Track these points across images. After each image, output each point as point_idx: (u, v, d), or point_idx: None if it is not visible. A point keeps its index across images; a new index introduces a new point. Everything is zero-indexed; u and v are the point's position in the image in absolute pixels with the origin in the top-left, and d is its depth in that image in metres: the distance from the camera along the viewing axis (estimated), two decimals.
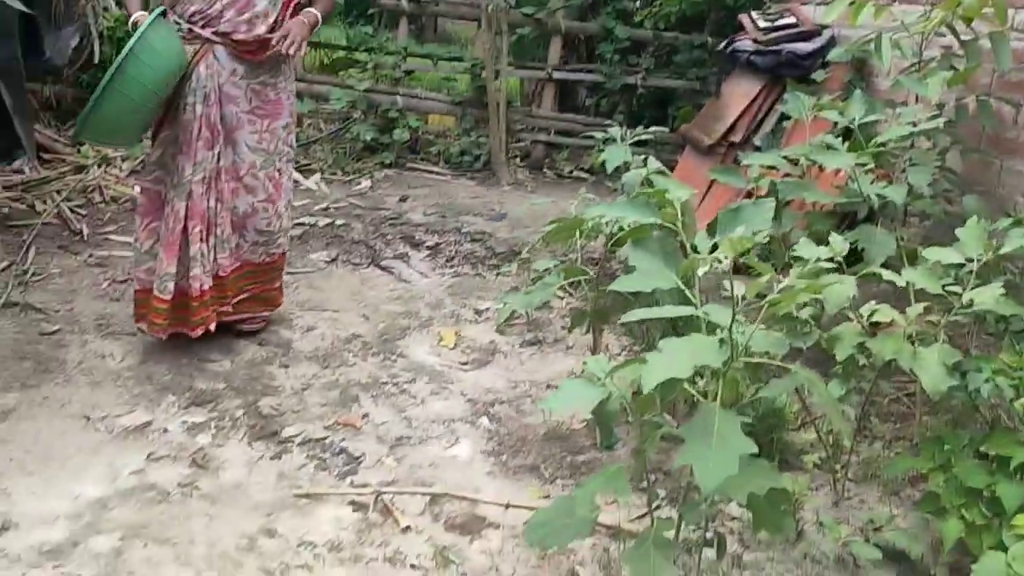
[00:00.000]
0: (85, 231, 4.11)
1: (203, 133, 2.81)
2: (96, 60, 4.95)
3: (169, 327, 2.92)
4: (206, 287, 2.91)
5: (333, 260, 4.17)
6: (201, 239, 2.85)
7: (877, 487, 2.50)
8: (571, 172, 6.40)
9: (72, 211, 4.30)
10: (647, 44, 6.52)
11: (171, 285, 2.86)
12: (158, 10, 2.71)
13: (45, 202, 4.36)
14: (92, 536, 2.09)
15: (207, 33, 2.81)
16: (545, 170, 6.42)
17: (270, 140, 2.97)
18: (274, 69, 2.94)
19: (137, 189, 3.61)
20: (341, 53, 6.98)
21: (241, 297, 3.09)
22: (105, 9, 4.93)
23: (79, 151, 5.05)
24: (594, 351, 2.81)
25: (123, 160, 5.10)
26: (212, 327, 2.97)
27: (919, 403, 2.70)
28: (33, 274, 3.56)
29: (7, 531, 2.07)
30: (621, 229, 2.59)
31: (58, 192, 4.49)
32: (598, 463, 2.60)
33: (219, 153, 2.86)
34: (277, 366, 3.06)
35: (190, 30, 2.81)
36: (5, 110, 4.29)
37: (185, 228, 2.86)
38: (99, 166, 4.89)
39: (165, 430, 2.57)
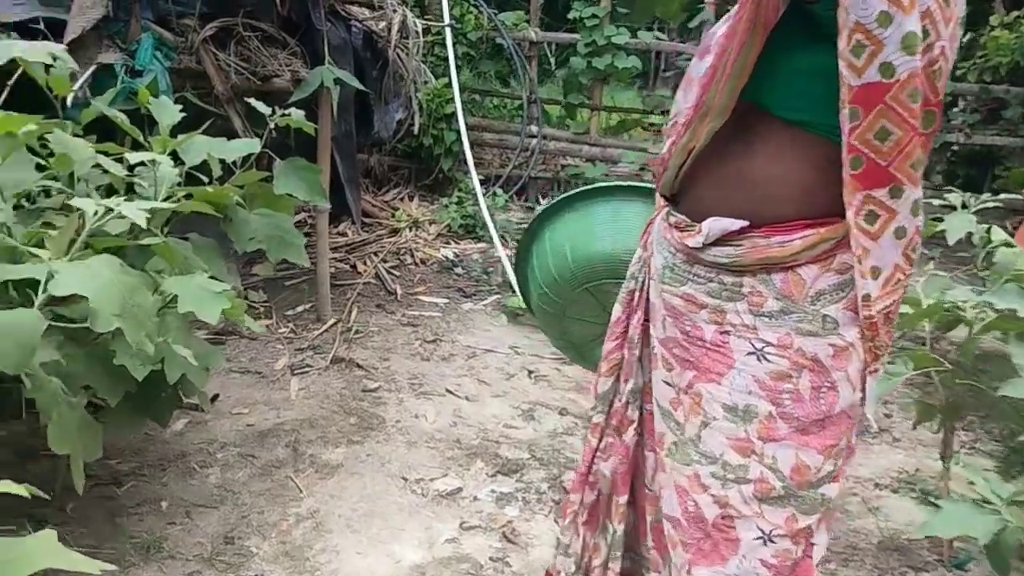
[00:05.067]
0: (399, 291, 4.39)
1: None
2: (415, 131, 5.37)
3: None
4: None
5: None
6: None
7: None
8: None
9: (388, 272, 4.63)
10: (968, 97, 5.86)
11: None
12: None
13: (365, 263, 4.74)
14: None
15: None
16: None
17: None
18: None
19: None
20: (630, 116, 7.05)
21: None
22: (425, 83, 5.35)
23: (393, 215, 5.49)
24: (944, 454, 2.42)
25: (431, 224, 5.45)
26: None
27: None
28: (355, 331, 3.83)
29: None
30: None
31: (375, 254, 4.88)
32: None
33: None
34: (579, 437, 2.99)
35: None
36: (338, 178, 4.75)
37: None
38: (410, 229, 5.27)
39: (475, 498, 2.58)
